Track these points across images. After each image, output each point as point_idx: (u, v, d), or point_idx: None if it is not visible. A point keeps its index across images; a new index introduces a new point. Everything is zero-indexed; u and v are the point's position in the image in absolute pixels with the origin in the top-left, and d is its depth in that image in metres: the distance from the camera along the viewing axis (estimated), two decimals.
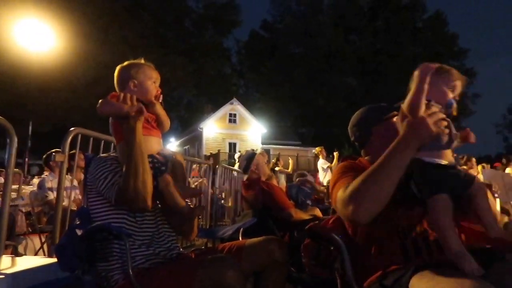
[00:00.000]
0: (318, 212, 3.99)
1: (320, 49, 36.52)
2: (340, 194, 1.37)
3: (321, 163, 9.03)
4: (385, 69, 36.37)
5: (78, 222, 1.66)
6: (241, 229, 2.25)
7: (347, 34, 37.65)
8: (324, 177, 8.53)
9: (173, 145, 32.76)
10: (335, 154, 8.91)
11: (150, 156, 1.61)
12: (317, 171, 10.03)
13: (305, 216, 3.35)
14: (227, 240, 2.27)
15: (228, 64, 37.86)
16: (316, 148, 9.41)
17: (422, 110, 1.27)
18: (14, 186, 4.36)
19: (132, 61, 1.75)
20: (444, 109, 1.33)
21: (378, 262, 1.40)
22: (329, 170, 8.67)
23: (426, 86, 1.26)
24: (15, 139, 2.22)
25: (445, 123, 1.28)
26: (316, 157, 9.54)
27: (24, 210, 4.46)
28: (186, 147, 32.76)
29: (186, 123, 37.12)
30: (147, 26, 30.72)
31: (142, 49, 29.32)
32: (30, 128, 12.79)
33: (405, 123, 1.30)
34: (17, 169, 4.75)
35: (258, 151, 3.72)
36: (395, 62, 36.23)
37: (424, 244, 1.38)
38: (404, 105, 1.32)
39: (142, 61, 1.75)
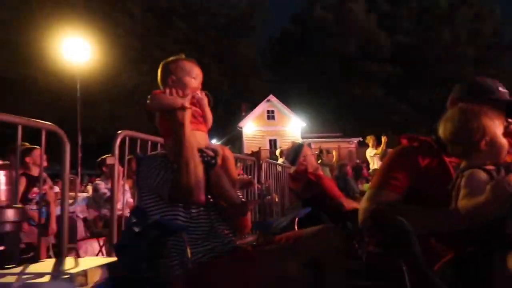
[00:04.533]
0: None
1: (353, 37, 35.77)
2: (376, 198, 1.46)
3: (368, 151, 8.82)
4: (422, 52, 34.89)
5: (134, 221, 1.67)
6: (296, 219, 2.20)
7: (380, 19, 36.55)
8: (373, 165, 8.33)
9: None
10: (383, 139, 8.29)
11: (200, 150, 1.60)
12: (362, 161, 9.80)
13: (357, 205, 3.24)
14: (280, 232, 2.22)
15: (261, 61, 37.89)
16: (367, 137, 9.07)
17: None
18: (71, 193, 4.55)
19: (174, 57, 1.75)
20: None
21: (447, 244, 1.31)
22: (375, 158, 8.44)
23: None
24: (68, 145, 2.30)
25: None
26: (366, 145, 9.35)
27: (81, 216, 4.65)
28: (228, 147, 33.06)
29: (224, 123, 37.54)
30: (180, 31, 31.35)
31: (177, 54, 30.03)
32: (80, 139, 13.42)
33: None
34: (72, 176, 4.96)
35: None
36: (431, 44, 34.78)
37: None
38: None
39: (183, 56, 1.74)
